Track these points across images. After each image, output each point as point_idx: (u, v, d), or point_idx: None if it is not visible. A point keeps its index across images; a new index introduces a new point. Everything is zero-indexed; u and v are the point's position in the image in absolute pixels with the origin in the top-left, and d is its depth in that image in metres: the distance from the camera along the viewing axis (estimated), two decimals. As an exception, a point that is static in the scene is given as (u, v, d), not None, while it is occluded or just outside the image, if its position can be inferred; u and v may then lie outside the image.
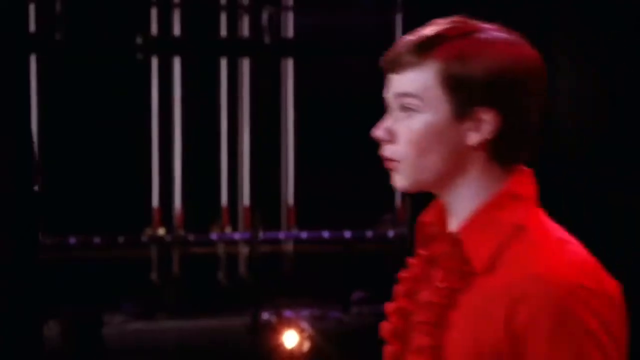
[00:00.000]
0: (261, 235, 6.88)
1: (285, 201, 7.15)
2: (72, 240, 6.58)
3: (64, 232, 6.54)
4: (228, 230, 7.05)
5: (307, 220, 7.15)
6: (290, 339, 5.85)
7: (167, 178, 6.92)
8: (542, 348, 1.41)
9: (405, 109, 1.52)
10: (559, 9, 6.20)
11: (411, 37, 1.53)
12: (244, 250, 7.01)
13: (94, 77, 6.59)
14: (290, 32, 7.11)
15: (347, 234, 7.01)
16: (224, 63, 7.01)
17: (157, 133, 6.84)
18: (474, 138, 1.49)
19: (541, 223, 1.51)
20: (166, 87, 6.86)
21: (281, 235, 7.11)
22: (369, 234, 6.98)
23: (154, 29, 6.80)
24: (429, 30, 1.53)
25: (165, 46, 6.88)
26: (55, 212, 6.23)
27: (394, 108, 1.54)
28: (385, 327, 1.55)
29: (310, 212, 7.14)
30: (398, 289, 1.56)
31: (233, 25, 7.04)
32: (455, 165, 1.51)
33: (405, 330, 1.52)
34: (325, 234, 7.06)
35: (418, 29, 1.56)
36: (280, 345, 5.89)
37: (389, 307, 1.54)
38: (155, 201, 6.86)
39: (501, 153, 1.51)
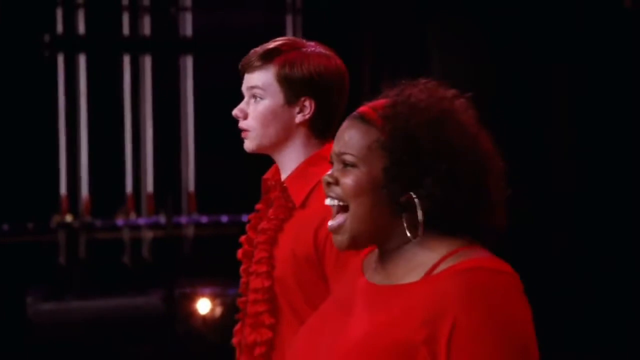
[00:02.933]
0: (164, 219, 7.09)
1: (186, 188, 7.32)
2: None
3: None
4: (133, 216, 7.20)
5: (207, 205, 7.27)
6: (203, 306, 6.24)
7: (74, 168, 7.04)
8: (332, 254, 2.11)
9: (254, 97, 2.26)
10: (435, 6, 6.69)
11: (259, 49, 2.24)
12: (147, 234, 7.17)
13: (1, 73, 6.72)
14: (189, 31, 7.28)
15: (244, 218, 6.60)
16: (127, 60, 7.16)
17: (64, 125, 6.98)
18: (299, 118, 2.26)
19: None
20: (72, 82, 6.99)
21: (183, 219, 7.25)
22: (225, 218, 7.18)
23: (60, 28, 6.96)
24: (270, 45, 2.25)
25: (70, 44, 7.02)
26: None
27: (247, 96, 2.28)
28: (239, 252, 2.27)
29: (210, 198, 7.27)
30: (247, 225, 2.30)
31: (135, 24, 7.18)
32: (285, 136, 2.28)
33: (251, 251, 2.24)
34: (224, 218, 7.21)
35: (264, 44, 2.27)
36: (194, 312, 6.23)
37: (242, 238, 2.26)
38: (63, 189, 7.01)
39: (317, 129, 2.28)
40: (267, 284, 2.19)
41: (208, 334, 6.19)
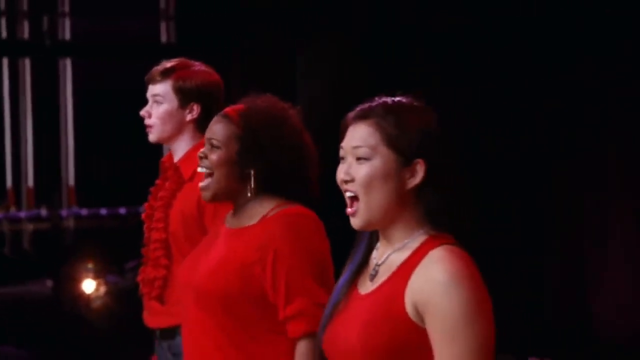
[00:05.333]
0: (45, 212, 7.47)
1: (66, 182, 7.67)
2: None
3: None
4: (13, 209, 7.55)
5: (87, 199, 7.64)
6: (88, 286, 6.77)
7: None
8: (209, 212, 3.02)
9: (156, 102, 3.19)
10: (307, 22, 7.04)
11: (159, 68, 3.18)
12: (28, 227, 7.50)
13: None
14: (67, 35, 7.63)
15: (122, 210, 7.59)
16: (5, 63, 7.55)
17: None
18: (188, 117, 3.19)
19: None
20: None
21: (63, 212, 7.54)
22: (142, 210, 7.67)
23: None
24: (168, 64, 3.18)
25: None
26: None
27: (151, 101, 3.20)
28: (143, 215, 3.21)
29: (89, 192, 7.67)
30: (149, 195, 3.22)
31: (12, 28, 7.52)
32: (178, 130, 3.24)
33: (152, 214, 3.18)
34: (103, 211, 7.59)
35: (163, 63, 3.21)
36: (80, 292, 6.71)
37: (145, 204, 3.19)
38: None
39: (200, 125, 3.21)
40: (163, 236, 3.19)
41: (93, 313, 6.71)
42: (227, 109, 2.73)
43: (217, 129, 2.69)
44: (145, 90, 3.27)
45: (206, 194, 2.69)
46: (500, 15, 5.73)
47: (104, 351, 6.61)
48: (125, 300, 6.70)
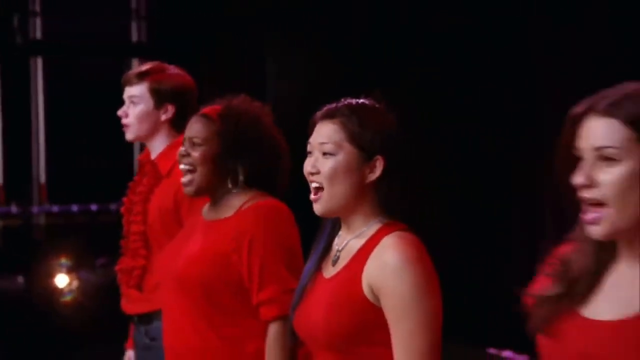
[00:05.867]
0: (15, 209, 7.49)
1: (37, 179, 7.75)
2: None
3: None
4: None
5: (58, 195, 7.69)
6: (61, 280, 6.88)
7: None
8: (185, 205, 3.22)
9: (132, 102, 3.39)
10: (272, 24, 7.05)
11: (135, 71, 3.38)
12: None
13: None
14: (38, 34, 7.67)
15: (94, 207, 7.67)
16: None
17: None
18: (163, 117, 3.37)
19: None
20: None
21: (34, 209, 7.65)
22: (113, 207, 7.48)
23: None
24: (143, 68, 3.38)
25: None
26: None
27: (127, 102, 3.40)
28: (122, 208, 3.41)
29: (60, 188, 7.72)
30: (128, 190, 3.42)
31: None
32: (154, 129, 3.40)
33: (131, 207, 3.39)
34: (74, 208, 7.66)
35: (139, 66, 3.41)
36: (53, 287, 6.82)
37: (124, 199, 3.40)
38: None
39: (175, 124, 3.40)
40: (142, 228, 3.40)
41: (65, 307, 6.83)
42: (206, 109, 2.94)
43: (198, 127, 2.89)
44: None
45: (189, 189, 2.89)
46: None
47: (77, 345, 6.73)
48: (96, 295, 6.87)
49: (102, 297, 6.66)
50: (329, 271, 2.43)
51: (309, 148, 2.45)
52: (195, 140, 2.91)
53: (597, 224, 1.79)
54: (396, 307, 2.26)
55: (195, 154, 2.90)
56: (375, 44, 6.42)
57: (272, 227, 2.83)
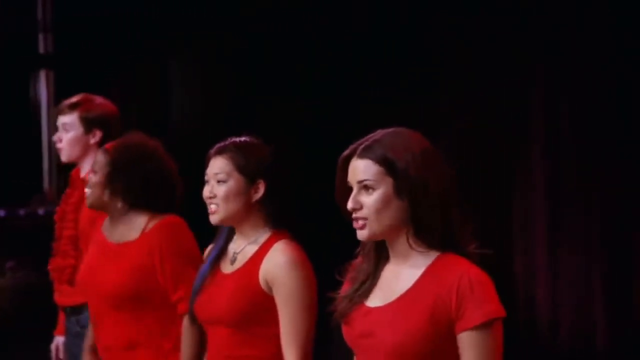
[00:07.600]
0: None
1: None
2: None
3: None
4: None
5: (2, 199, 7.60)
6: None
7: None
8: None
9: (65, 129, 4.06)
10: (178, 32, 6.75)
11: (67, 102, 4.04)
12: None
13: None
14: None
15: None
16: None
17: None
18: (92, 140, 4.01)
19: None
20: None
21: None
22: (22, 212, 7.68)
23: None
24: (74, 99, 4.04)
25: None
26: None
27: (61, 128, 4.05)
28: (55, 216, 4.09)
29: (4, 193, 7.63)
30: (61, 201, 4.08)
31: None
32: (84, 151, 4.08)
33: (64, 215, 4.08)
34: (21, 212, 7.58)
35: (70, 98, 4.06)
36: None
37: (57, 208, 4.07)
38: None
39: (101, 145, 4.09)
40: (74, 233, 4.13)
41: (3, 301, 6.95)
42: (106, 145, 3.65)
43: (97, 159, 3.64)
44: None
45: (87, 202, 3.66)
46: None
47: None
48: (7, 297, 7.00)
49: (11, 298, 6.93)
50: (228, 269, 3.21)
51: (206, 177, 3.18)
52: (94, 167, 3.63)
53: (363, 229, 2.49)
54: (282, 295, 3.07)
55: (92, 179, 3.63)
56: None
57: (177, 239, 3.53)
